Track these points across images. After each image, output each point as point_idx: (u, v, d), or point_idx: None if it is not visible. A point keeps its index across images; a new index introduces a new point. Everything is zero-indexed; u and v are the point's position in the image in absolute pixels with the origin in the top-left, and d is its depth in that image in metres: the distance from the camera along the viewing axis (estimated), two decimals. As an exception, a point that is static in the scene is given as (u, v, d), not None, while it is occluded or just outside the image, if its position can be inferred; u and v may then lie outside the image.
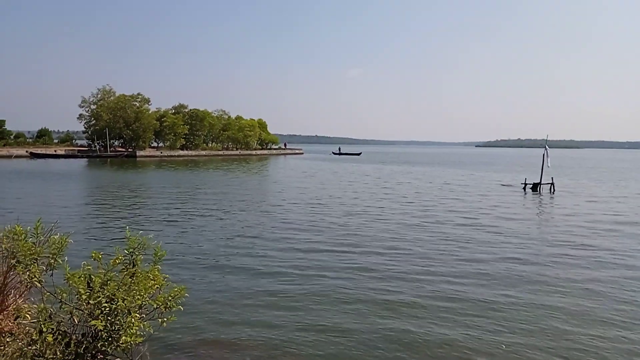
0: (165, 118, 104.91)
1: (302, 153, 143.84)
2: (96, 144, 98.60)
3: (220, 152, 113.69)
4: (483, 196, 34.01)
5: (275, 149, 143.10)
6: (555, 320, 10.05)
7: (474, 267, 14.10)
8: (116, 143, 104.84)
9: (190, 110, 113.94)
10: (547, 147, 38.84)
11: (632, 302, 11.20)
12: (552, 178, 38.62)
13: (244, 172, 56.26)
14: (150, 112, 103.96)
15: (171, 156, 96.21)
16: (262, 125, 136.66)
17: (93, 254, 6.18)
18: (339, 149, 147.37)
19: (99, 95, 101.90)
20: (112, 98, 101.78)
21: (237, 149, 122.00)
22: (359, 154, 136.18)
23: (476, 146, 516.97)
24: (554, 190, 37.27)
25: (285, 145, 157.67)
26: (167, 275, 6.41)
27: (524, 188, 38.79)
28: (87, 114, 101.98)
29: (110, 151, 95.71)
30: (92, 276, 5.91)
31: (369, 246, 16.76)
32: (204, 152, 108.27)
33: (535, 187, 38.22)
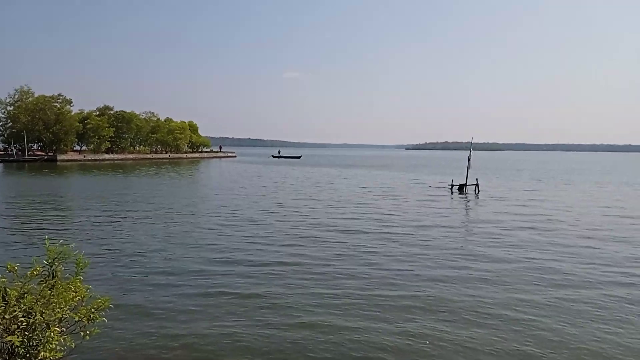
0: (88, 120, 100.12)
1: (235, 156, 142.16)
2: (13, 148, 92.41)
3: (149, 156, 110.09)
4: (413, 197, 35.17)
5: (207, 151, 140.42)
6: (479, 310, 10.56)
7: (405, 265, 14.54)
8: (35, 146, 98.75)
9: (116, 112, 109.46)
10: (471, 149, 40.74)
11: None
12: (476, 179, 40.55)
13: (173, 177, 54.75)
14: (72, 113, 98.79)
15: (95, 160, 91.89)
16: (193, 127, 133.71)
17: (8, 266, 5.78)
18: (279, 151, 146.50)
19: (16, 96, 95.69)
20: (30, 99, 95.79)
21: (166, 152, 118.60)
22: (299, 157, 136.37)
23: (406, 149, 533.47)
24: (479, 190, 39.13)
25: (220, 148, 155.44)
26: (90, 286, 6.11)
27: (451, 189, 40.43)
28: (3, 115, 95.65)
29: (29, 155, 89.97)
30: (7, 289, 5.53)
31: (285, 247, 16.86)
32: (130, 156, 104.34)
33: (461, 188, 39.96)
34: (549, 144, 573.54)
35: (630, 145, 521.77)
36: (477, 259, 15.76)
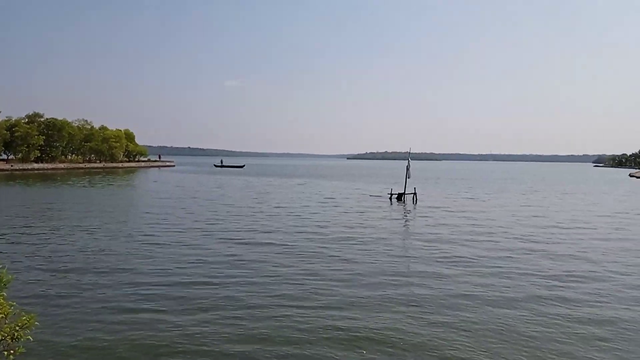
0: (16, 128, 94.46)
1: (174, 165, 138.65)
2: None
3: (82, 165, 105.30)
4: (353, 206, 35.70)
5: (144, 161, 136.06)
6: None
7: (345, 271, 14.72)
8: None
9: (47, 119, 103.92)
10: (409, 159, 41.92)
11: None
12: (414, 188, 41.72)
13: (105, 187, 52.67)
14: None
15: (24, 169, 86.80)
16: (129, 136, 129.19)
17: None
18: (221, 161, 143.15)
19: None
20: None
21: (101, 162, 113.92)
22: (242, 167, 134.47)
23: (347, 158, 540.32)
24: (417, 199, 40.26)
25: (159, 157, 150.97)
26: (14, 303, 5.78)
27: (390, 198, 41.32)
28: None
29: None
30: None
31: (229, 252, 16.70)
32: (62, 165, 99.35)
33: (400, 196, 40.94)
34: (482, 154, 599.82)
35: (556, 155, 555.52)
36: (409, 270, 16.22)
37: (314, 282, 13.90)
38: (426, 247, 19.52)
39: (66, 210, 30.06)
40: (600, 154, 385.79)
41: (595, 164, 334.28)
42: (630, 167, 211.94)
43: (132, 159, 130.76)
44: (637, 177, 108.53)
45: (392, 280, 14.28)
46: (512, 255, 18.14)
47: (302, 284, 13.62)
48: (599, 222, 29.01)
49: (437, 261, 16.95)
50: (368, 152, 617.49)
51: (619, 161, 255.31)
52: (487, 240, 21.42)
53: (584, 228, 26.37)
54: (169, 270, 15.03)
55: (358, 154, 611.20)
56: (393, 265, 16.29)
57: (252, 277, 14.29)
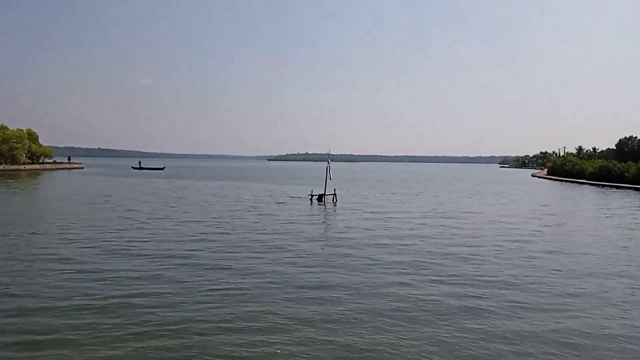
0: None
1: (83, 167, 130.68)
2: None
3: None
4: (273, 207, 35.55)
5: (49, 163, 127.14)
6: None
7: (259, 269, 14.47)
8: None
9: None
10: (329, 160, 42.37)
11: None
12: (334, 189, 42.21)
13: (9, 190, 48.51)
14: None
15: None
16: (32, 136, 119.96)
17: None
18: (139, 163, 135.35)
19: None
20: None
21: (0, 164, 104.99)
22: (162, 169, 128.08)
23: (268, 160, 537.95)
24: (336, 200, 40.75)
25: (69, 158, 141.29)
26: None
27: (311, 199, 41.50)
28: None
29: None
30: None
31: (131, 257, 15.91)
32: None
33: (320, 198, 41.23)
34: (398, 156, 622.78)
35: (467, 156, 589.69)
36: (333, 266, 16.32)
37: (216, 298, 12.93)
38: (343, 249, 19.72)
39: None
40: (506, 155, 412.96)
41: (501, 165, 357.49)
42: (532, 167, 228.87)
43: (35, 161, 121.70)
44: (538, 177, 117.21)
45: (310, 291, 14.20)
46: (421, 259, 18.68)
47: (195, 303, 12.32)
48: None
49: (354, 263, 17.15)
50: (289, 153, 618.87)
51: (522, 162, 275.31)
52: (402, 243, 21.99)
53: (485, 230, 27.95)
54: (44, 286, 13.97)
55: (279, 155, 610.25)
56: (309, 271, 16.24)
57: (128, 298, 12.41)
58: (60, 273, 14.72)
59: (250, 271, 15.26)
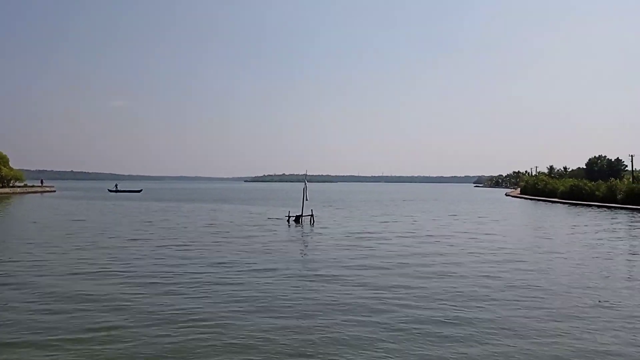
0: None
1: (54, 190, 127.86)
2: None
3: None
4: (251, 230, 35.26)
5: (19, 186, 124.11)
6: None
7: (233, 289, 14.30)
8: None
9: None
10: (306, 181, 42.44)
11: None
12: (311, 210, 42.17)
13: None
14: None
15: None
16: (2, 159, 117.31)
17: None
18: (116, 185, 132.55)
19: None
20: None
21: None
22: (139, 191, 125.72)
23: (245, 181, 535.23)
24: (314, 221, 40.69)
25: (42, 182, 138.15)
26: None
27: (288, 220, 41.34)
28: None
29: None
30: None
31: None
32: None
33: (297, 219, 41.11)
34: (374, 176, 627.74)
35: (442, 176, 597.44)
36: (313, 285, 16.22)
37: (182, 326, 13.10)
38: (318, 266, 19.67)
39: None
40: (480, 174, 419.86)
41: (475, 184, 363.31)
42: (506, 187, 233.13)
43: (5, 185, 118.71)
44: (512, 196, 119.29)
45: (285, 310, 14.09)
46: (397, 281, 18.76)
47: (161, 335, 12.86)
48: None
49: (330, 279, 17.11)
50: (266, 174, 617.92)
51: (496, 181, 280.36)
52: (379, 263, 22.05)
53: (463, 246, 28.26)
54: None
55: (256, 177, 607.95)
56: (288, 286, 16.13)
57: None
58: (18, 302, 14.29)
59: (225, 293, 15.06)
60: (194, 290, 15.55)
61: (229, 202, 79.32)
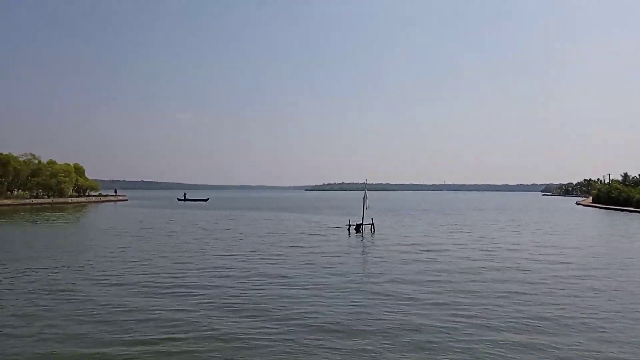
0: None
1: (127, 199, 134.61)
2: None
3: (29, 201, 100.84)
4: (312, 238, 35.58)
5: (95, 195, 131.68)
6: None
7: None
8: None
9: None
10: (366, 190, 42.32)
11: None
12: (372, 219, 41.92)
13: (57, 223, 50.45)
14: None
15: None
16: (79, 170, 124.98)
17: None
18: (185, 195, 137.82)
19: None
20: None
21: (49, 197, 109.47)
22: (206, 200, 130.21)
23: (305, 190, 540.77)
24: (374, 230, 40.42)
25: (115, 191, 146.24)
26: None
27: (348, 229, 41.31)
28: None
29: None
30: None
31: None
32: (7, 202, 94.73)
33: (358, 228, 41.02)
34: (435, 185, 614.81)
35: (507, 184, 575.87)
36: (374, 296, 16.11)
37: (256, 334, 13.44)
38: (381, 280, 19.47)
39: (11, 250, 28.45)
40: (548, 183, 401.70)
41: (543, 193, 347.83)
42: (576, 195, 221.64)
43: (82, 194, 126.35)
44: (584, 205, 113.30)
45: (349, 316, 14.06)
46: (461, 298, 18.22)
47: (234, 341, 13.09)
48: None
49: (391, 295, 16.89)
50: (325, 183, 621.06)
51: (566, 190, 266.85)
52: (440, 274, 21.54)
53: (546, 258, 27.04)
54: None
55: (316, 185, 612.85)
56: (348, 300, 16.10)
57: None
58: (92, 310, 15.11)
59: (288, 307, 15.25)
60: (264, 307, 15.91)
61: (290, 211, 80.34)
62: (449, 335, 11.96)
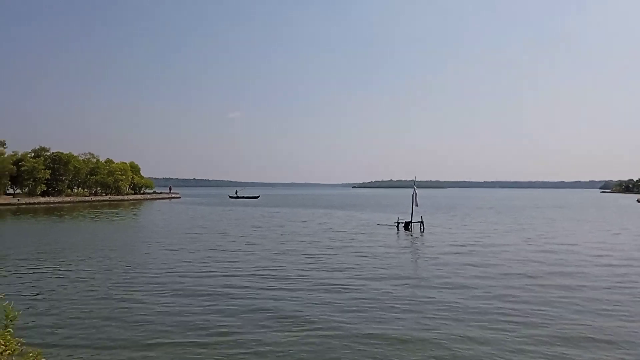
0: (23, 162, 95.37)
1: (180, 197, 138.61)
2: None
3: (88, 198, 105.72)
4: (363, 236, 35.47)
5: (149, 193, 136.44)
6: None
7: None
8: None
9: (53, 153, 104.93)
10: (415, 187, 41.80)
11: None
12: (421, 217, 41.38)
13: (114, 220, 52.66)
14: (5, 155, 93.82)
15: (30, 203, 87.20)
16: (134, 168, 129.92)
17: None
18: (236, 192, 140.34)
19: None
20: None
21: (106, 194, 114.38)
22: (257, 197, 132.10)
23: (353, 187, 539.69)
24: (424, 228, 39.88)
25: (170, 189, 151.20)
26: (22, 339, 5.64)
27: (397, 227, 40.94)
28: None
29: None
30: None
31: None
32: (68, 199, 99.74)
33: (407, 225, 40.59)
34: (487, 182, 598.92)
35: (563, 181, 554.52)
36: (423, 289, 15.92)
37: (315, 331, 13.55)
38: (433, 276, 19.21)
39: (74, 244, 29.97)
40: (607, 179, 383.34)
41: (602, 190, 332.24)
42: (637, 192, 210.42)
43: (137, 192, 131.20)
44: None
45: (401, 313, 13.98)
46: (517, 306, 17.68)
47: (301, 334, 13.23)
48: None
49: (444, 289, 16.63)
50: (373, 180, 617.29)
51: (626, 186, 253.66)
52: (494, 271, 21.02)
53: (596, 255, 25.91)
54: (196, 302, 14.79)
55: (363, 183, 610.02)
56: (401, 292, 15.99)
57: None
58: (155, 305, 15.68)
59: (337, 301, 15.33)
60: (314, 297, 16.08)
61: (339, 208, 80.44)
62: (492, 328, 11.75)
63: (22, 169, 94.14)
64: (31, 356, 5.47)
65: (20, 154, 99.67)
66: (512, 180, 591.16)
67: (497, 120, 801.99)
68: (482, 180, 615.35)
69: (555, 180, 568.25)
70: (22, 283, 18.00)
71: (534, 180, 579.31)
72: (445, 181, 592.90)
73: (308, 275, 19.33)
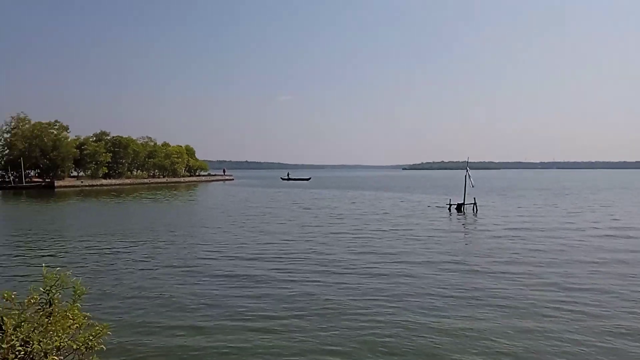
0: (85, 146, 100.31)
1: (233, 179, 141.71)
2: (10, 175, 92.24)
3: (146, 180, 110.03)
4: (414, 218, 35.18)
5: (204, 175, 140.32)
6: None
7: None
8: (32, 173, 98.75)
9: (113, 137, 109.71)
10: (468, 168, 40.84)
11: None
12: (474, 198, 40.49)
13: (172, 201, 54.59)
14: (69, 140, 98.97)
15: (93, 185, 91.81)
16: (189, 151, 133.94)
17: (5, 294, 5.68)
18: (288, 174, 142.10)
19: (12, 124, 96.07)
20: (27, 126, 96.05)
21: (163, 177, 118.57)
22: (308, 179, 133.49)
23: (403, 169, 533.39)
24: (477, 210, 39.03)
25: (224, 171, 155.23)
26: (88, 314, 6.01)
27: (449, 209, 40.25)
28: (0, 143, 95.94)
29: (26, 182, 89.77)
30: (4, 318, 5.42)
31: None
32: (128, 181, 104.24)
33: (459, 207, 39.85)
34: (544, 162, 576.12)
35: (625, 162, 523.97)
36: (478, 276, 15.67)
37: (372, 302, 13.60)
38: (486, 262, 18.82)
39: (136, 224, 31.37)
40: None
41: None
42: None
43: (193, 174, 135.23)
44: None
45: (456, 296, 13.82)
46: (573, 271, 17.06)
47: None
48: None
49: (499, 276, 16.28)
50: (424, 162, 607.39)
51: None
52: (552, 257, 20.31)
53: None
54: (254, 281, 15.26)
55: (414, 164, 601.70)
56: (455, 279, 15.80)
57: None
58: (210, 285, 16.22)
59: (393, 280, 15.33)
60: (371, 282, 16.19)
61: (389, 190, 79.87)
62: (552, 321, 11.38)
63: (85, 152, 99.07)
64: (98, 329, 5.82)
65: (82, 138, 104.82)
66: (571, 160, 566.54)
67: (550, 99, 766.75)
68: (538, 161, 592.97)
69: (617, 160, 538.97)
70: (90, 260, 19.03)
71: (594, 160, 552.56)
72: (499, 162, 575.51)
73: (358, 260, 19.29)
